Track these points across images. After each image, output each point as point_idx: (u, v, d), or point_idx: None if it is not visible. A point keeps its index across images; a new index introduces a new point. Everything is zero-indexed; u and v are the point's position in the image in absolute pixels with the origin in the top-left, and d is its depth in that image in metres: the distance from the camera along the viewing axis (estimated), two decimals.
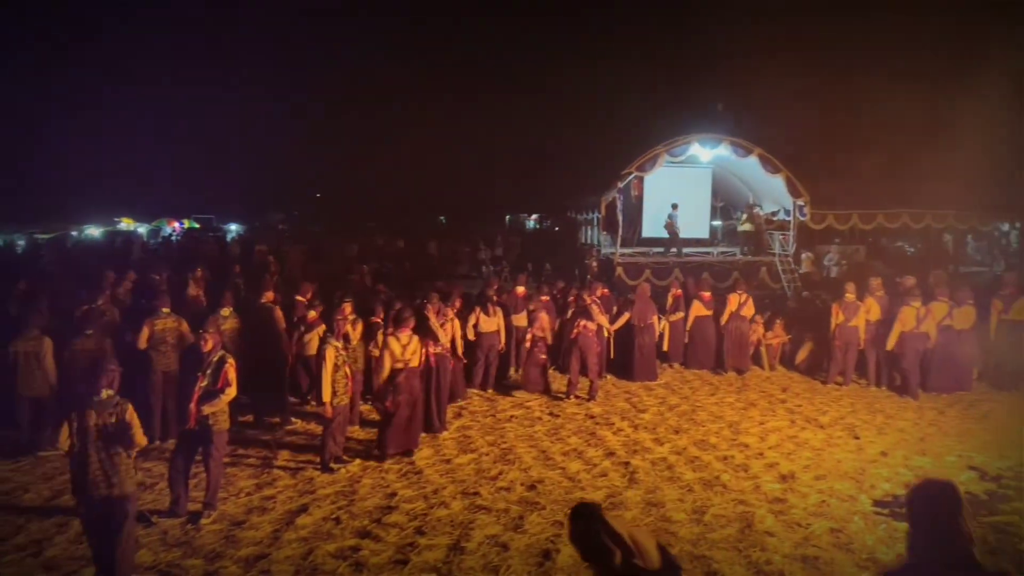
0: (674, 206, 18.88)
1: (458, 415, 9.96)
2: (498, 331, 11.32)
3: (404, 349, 8.20)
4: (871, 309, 11.64)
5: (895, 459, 8.21)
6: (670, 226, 18.75)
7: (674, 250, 18.66)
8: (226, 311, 9.36)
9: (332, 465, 7.76)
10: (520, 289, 12.46)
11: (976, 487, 7.33)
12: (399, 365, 8.15)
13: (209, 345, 6.70)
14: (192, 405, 6.49)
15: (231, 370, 6.66)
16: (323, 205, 48.35)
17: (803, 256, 19.93)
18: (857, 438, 9.00)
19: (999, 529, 6.31)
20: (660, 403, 10.68)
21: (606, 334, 12.04)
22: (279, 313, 9.88)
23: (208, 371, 6.59)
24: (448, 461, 8.14)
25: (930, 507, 2.76)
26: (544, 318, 11.38)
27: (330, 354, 7.62)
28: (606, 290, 13.24)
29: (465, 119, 46.97)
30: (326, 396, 7.62)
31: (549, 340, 11.43)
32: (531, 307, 11.87)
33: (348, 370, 7.90)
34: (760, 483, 7.44)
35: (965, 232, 20.26)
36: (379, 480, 7.55)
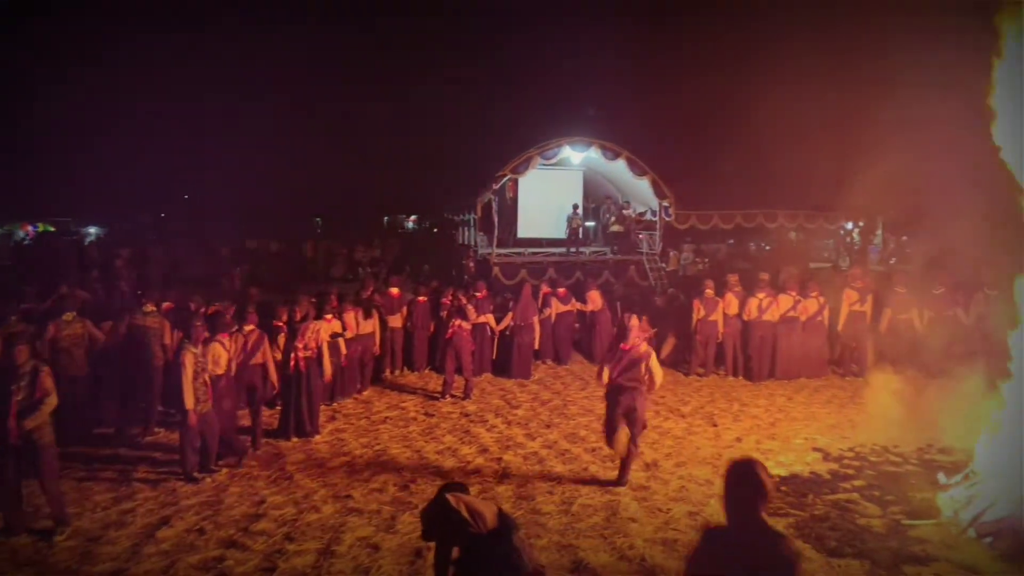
0: (575, 206, 19.40)
1: (332, 418, 9.84)
2: (373, 333, 11.30)
3: (225, 355, 7.99)
4: (729, 304, 12.34)
5: (748, 444, 8.78)
6: (577, 227, 19.23)
7: (573, 249, 19.14)
8: (69, 316, 8.81)
9: (196, 474, 7.49)
10: (394, 291, 12.42)
11: (820, 467, 7.94)
12: (219, 371, 7.86)
13: (24, 356, 6.31)
14: (10, 421, 6.10)
15: (47, 378, 6.33)
16: (192, 206, 46.13)
17: (671, 254, 20.83)
18: (715, 425, 9.56)
19: (840, 506, 6.84)
20: (533, 399, 10.93)
21: (490, 333, 12.24)
22: (167, 325, 9.49)
23: (22, 383, 6.22)
24: (320, 465, 8.04)
25: (736, 485, 3.19)
26: (348, 318, 10.84)
27: (188, 360, 7.32)
28: (487, 290, 13.41)
29: (342, 119, 45.95)
30: (189, 403, 7.33)
31: (377, 349, 11.47)
32: (346, 309, 10.89)
33: (208, 377, 7.60)
34: None
35: (814, 230, 21.73)
36: (247, 488, 7.37)
